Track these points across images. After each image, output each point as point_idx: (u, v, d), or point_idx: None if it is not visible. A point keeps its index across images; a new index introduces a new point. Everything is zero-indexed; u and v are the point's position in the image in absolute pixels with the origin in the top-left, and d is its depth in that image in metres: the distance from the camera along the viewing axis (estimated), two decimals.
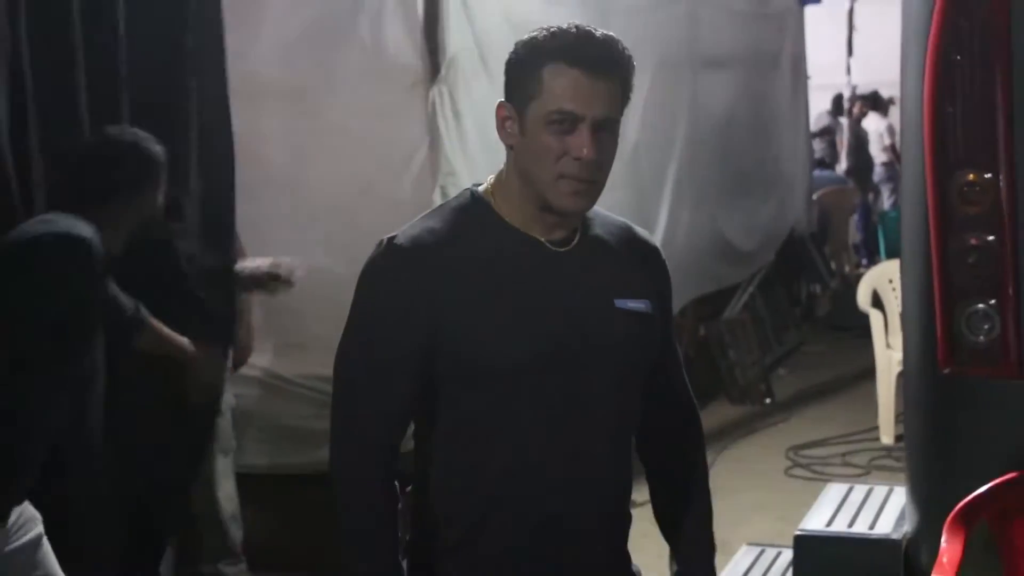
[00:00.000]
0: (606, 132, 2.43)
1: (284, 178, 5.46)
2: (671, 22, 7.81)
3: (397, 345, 2.46)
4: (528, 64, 2.44)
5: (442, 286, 2.44)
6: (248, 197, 4.99)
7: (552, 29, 2.45)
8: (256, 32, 5.20)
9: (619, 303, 2.54)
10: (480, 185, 2.58)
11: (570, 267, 2.52)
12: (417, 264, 2.45)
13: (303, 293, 4.73)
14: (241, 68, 4.63)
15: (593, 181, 2.44)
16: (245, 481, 5.21)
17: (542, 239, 2.51)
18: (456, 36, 5.51)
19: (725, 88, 8.62)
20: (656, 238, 7.30)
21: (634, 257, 2.63)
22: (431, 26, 5.48)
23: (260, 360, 5.44)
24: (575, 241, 2.54)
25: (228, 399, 4.97)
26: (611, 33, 2.47)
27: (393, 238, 2.48)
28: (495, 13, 5.72)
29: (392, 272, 2.46)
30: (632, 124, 7.14)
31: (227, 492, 5.12)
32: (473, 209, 2.53)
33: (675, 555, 2.75)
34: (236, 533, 5.15)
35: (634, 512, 2.69)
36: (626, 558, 2.69)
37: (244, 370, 5.25)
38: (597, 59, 2.42)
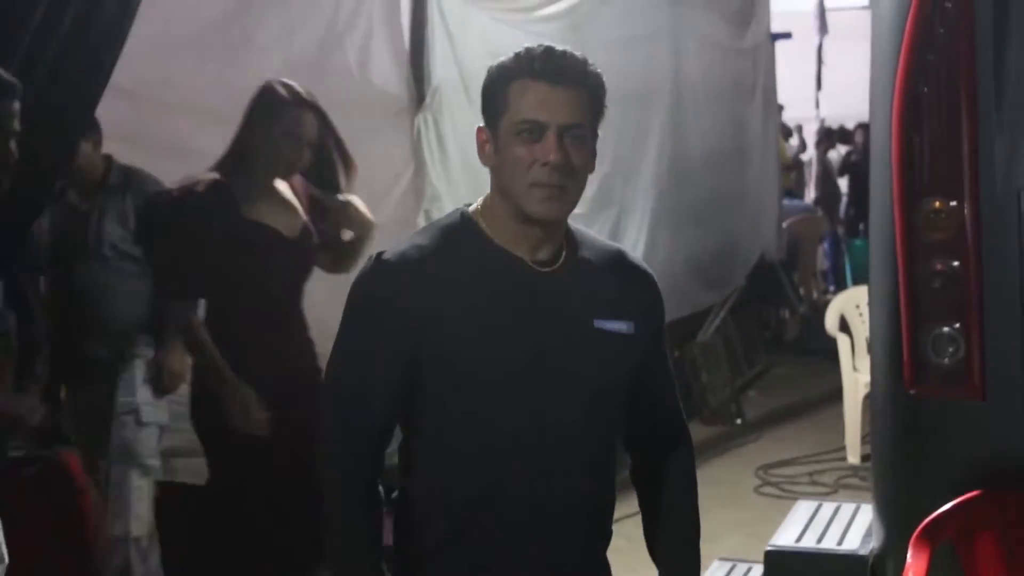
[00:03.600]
0: (574, 139, 2.46)
1: None
2: (654, 55, 7.84)
3: (381, 356, 2.48)
4: (497, 85, 2.48)
5: (424, 299, 2.46)
6: None
7: (519, 51, 2.49)
8: (246, 60, 5.20)
9: (598, 323, 2.55)
10: (471, 205, 2.59)
11: (551, 286, 2.52)
12: (401, 278, 2.47)
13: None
14: (230, 95, 4.62)
15: (563, 187, 2.46)
16: None
17: (526, 258, 2.52)
18: (440, 66, 5.54)
19: (704, 118, 8.65)
20: None
21: (622, 280, 2.63)
22: (417, 56, 5.52)
23: None
24: (560, 261, 2.55)
25: (153, 413, 4.82)
26: (569, 50, 2.51)
27: (382, 254, 2.52)
28: (477, 44, 5.75)
29: (378, 285, 2.49)
30: (612, 151, 7.17)
31: (138, 513, 4.78)
32: (461, 227, 2.55)
33: (661, 573, 2.74)
34: (137, 561, 4.77)
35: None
36: (604, 569, 2.69)
37: None
38: (559, 69, 2.46)
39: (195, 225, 4.09)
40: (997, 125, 3.30)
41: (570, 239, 2.58)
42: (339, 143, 4.30)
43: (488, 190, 2.57)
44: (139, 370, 4.77)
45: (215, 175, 4.15)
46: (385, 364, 2.48)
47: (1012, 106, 3.31)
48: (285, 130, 4.15)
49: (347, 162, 4.33)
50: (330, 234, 4.40)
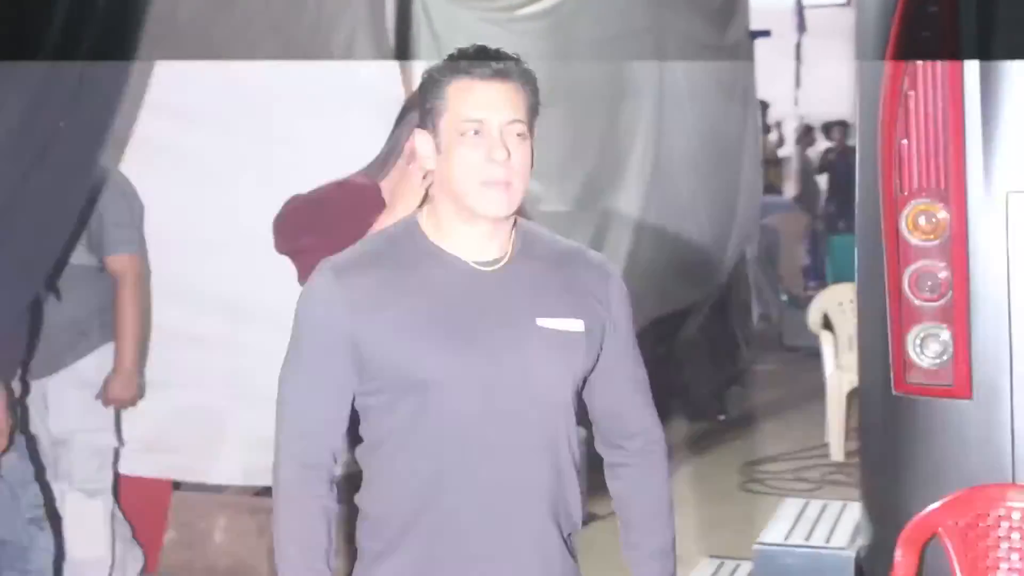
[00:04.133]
0: (516, 136, 2.46)
1: (252, 202, 5.43)
2: (637, 53, 7.86)
3: (328, 362, 2.50)
4: (435, 87, 2.49)
5: (368, 304, 2.47)
6: (223, 221, 5.02)
7: (451, 52, 2.51)
8: (230, 56, 5.19)
9: (542, 322, 2.53)
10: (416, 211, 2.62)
11: (493, 286, 2.52)
12: (346, 284, 2.48)
13: (279, 313, 4.72)
14: (215, 95, 4.64)
15: (510, 182, 2.45)
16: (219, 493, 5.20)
17: (469, 260, 2.52)
18: (426, 65, 5.53)
19: (687, 116, 8.67)
20: (621, 260, 7.32)
21: (574, 278, 2.60)
22: (402, 55, 5.51)
23: (233, 377, 5.43)
24: (504, 260, 2.55)
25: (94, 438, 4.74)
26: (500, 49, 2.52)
27: (330, 259, 2.53)
28: (461, 41, 5.59)
29: (324, 292, 2.50)
30: (596, 150, 7.19)
31: (90, 532, 4.70)
32: (406, 233, 2.56)
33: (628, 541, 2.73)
34: None
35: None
36: (566, 557, 2.64)
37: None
38: (495, 68, 2.46)
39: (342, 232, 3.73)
40: (983, 128, 3.33)
41: (518, 237, 2.58)
42: None
43: None
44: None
45: (365, 179, 3.76)
46: (332, 372, 2.50)
47: (998, 109, 3.34)
48: None
49: None
50: None
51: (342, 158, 5.29)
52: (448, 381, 2.48)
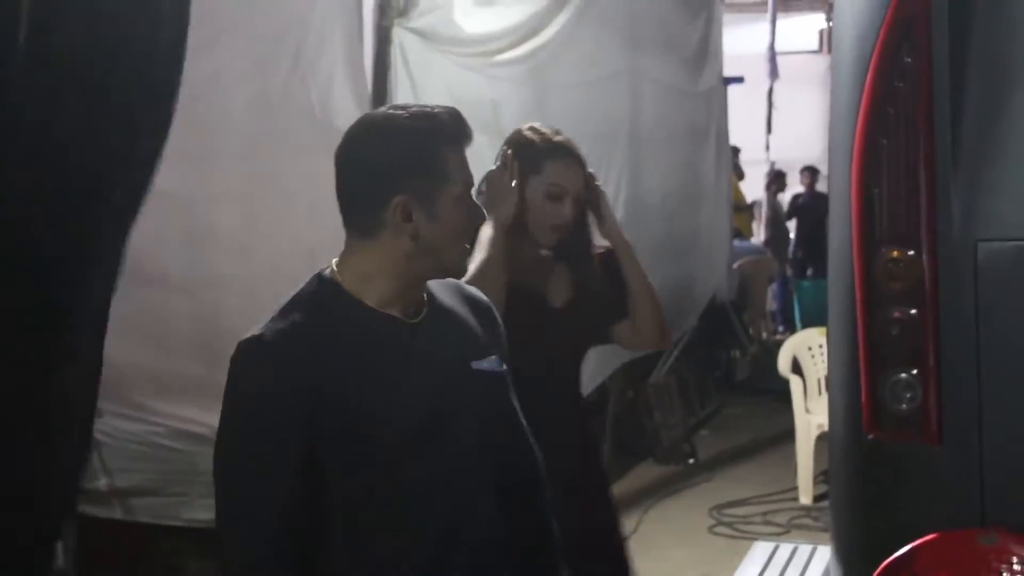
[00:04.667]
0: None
1: (233, 242, 5.44)
2: (612, 97, 7.91)
3: (279, 440, 2.43)
4: (431, 151, 2.50)
5: (314, 374, 2.43)
6: (198, 260, 5.01)
7: (438, 113, 2.52)
8: (209, 98, 5.21)
9: (475, 365, 2.58)
10: (325, 269, 2.59)
11: (427, 337, 2.55)
12: (287, 357, 2.43)
13: None
14: (193, 132, 4.63)
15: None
16: (193, 535, 5.16)
17: (398, 315, 2.53)
18: None
19: (660, 160, 8.72)
20: None
21: (475, 316, 2.68)
22: (379, 99, 5.53)
23: (207, 417, 5.40)
24: (424, 312, 2.57)
25: None
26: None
27: (258, 336, 2.46)
28: (439, 88, 5.77)
29: (264, 369, 2.44)
30: None
31: None
32: (328, 294, 2.53)
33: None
34: None
35: None
36: None
37: (192, 427, 5.19)
38: (469, 132, 2.55)
39: None
40: (954, 177, 3.36)
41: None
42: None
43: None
44: None
45: None
46: (285, 450, 2.44)
47: (969, 159, 3.37)
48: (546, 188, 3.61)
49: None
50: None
51: (320, 202, 5.34)
52: (410, 437, 2.48)
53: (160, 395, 4.99)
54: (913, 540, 3.23)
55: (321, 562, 2.51)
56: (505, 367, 2.65)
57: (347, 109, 5.45)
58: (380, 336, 2.51)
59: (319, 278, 2.56)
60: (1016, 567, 3.24)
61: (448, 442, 2.51)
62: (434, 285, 2.63)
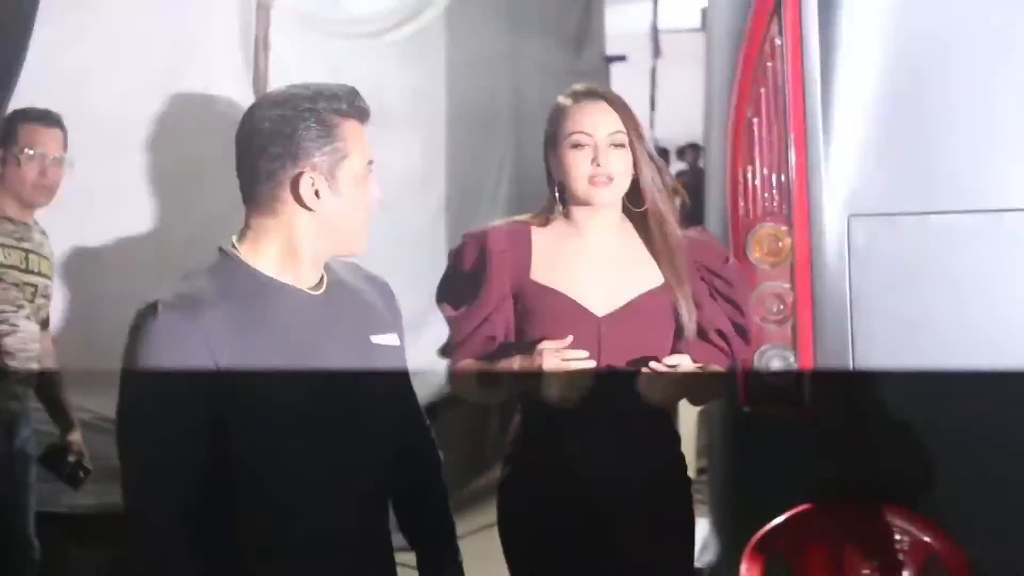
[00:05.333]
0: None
1: (112, 229, 5.37)
2: (495, 78, 7.91)
3: (176, 406, 2.42)
4: (332, 128, 2.50)
5: (216, 339, 2.41)
6: (78, 248, 4.94)
7: (334, 88, 2.53)
8: (91, 84, 5.13)
9: (374, 339, 2.60)
10: (226, 244, 2.57)
11: (328, 309, 2.55)
12: (183, 323, 2.40)
13: None
14: (80, 117, 4.56)
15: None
16: (73, 520, 5.09)
17: (297, 285, 2.53)
18: None
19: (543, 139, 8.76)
20: None
21: (375, 295, 2.69)
22: (260, 82, 5.49)
23: (87, 403, 5.33)
24: (325, 284, 2.58)
25: None
26: None
27: (154, 304, 2.42)
28: (321, 71, 5.73)
29: (165, 333, 2.41)
30: (454, 172, 7.21)
31: None
32: (228, 266, 2.52)
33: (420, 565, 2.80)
34: None
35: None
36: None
37: (74, 414, 5.11)
38: (367, 110, 2.55)
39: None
40: (825, 154, 3.41)
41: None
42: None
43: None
44: None
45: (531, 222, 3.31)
46: (187, 412, 2.43)
47: (839, 136, 3.42)
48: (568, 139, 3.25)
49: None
50: None
51: (200, 186, 5.28)
52: (312, 405, 2.48)
53: None
54: (788, 510, 3.28)
55: (219, 528, 2.51)
56: (400, 343, 2.67)
57: (228, 91, 5.39)
58: (279, 306, 2.50)
59: (220, 251, 2.55)
60: (886, 535, 3.30)
61: (344, 414, 2.51)
62: (335, 264, 2.64)
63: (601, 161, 3.13)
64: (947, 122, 3.44)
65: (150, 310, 2.42)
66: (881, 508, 3.36)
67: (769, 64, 3.42)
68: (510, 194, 8.08)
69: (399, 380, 2.68)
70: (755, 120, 3.43)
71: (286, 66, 5.53)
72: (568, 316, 3.12)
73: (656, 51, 16.89)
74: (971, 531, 3.31)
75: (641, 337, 3.11)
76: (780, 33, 3.42)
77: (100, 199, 5.10)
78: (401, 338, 2.69)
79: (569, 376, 3.02)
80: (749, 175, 3.46)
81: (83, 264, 4.97)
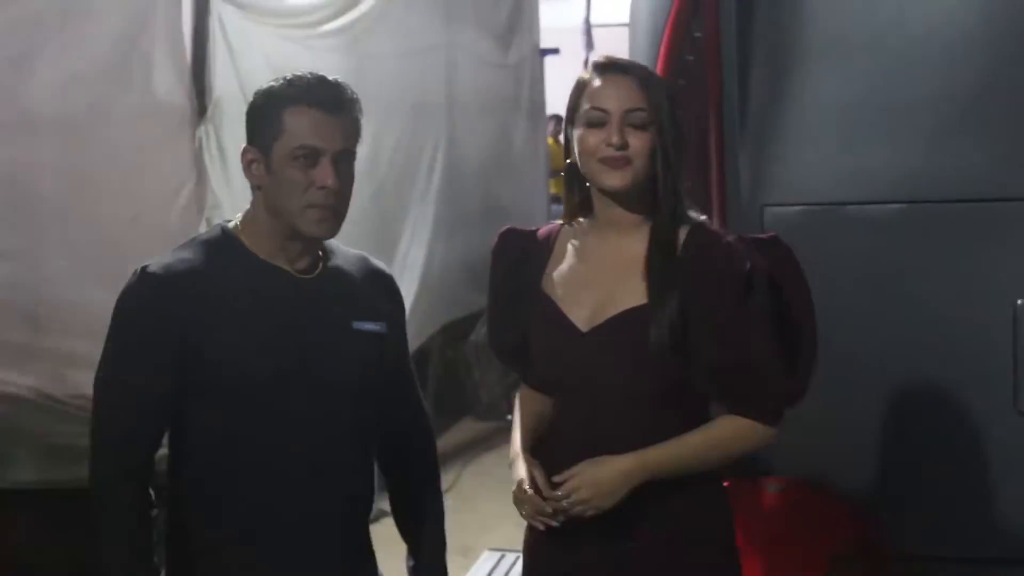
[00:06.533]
0: (344, 164, 2.56)
1: (57, 209, 5.35)
2: (429, 68, 7.94)
3: (149, 369, 2.51)
4: (269, 109, 2.55)
5: (192, 310, 2.50)
6: (22, 228, 4.92)
7: (289, 77, 2.57)
8: (31, 70, 5.11)
9: (356, 325, 2.65)
10: (230, 221, 2.67)
11: (312, 292, 2.62)
12: (169, 290, 2.50)
13: (73, 316, 4.67)
14: (17, 103, 4.55)
15: (336, 208, 2.56)
16: (13, 496, 5.08)
17: (287, 268, 2.60)
18: (221, 79, 5.53)
19: (475, 130, 8.78)
20: (414, 268, 7.38)
21: (371, 284, 2.74)
22: (199, 70, 5.49)
23: (28, 381, 5.32)
24: (318, 270, 2.64)
25: None
26: (339, 79, 2.60)
27: (147, 267, 2.54)
28: (258, 58, 5.74)
29: (145, 298, 2.52)
30: (388, 160, 7.23)
31: None
32: (223, 242, 2.61)
33: (410, 551, 2.87)
34: None
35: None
36: (369, 555, 2.78)
37: (12, 389, 5.10)
38: (332, 99, 2.55)
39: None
40: (742, 145, 3.47)
41: (323, 248, 2.68)
42: None
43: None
44: None
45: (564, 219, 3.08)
46: (152, 376, 2.51)
47: (755, 128, 3.48)
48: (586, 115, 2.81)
49: None
50: None
51: (141, 170, 5.27)
52: (277, 382, 2.54)
53: None
54: None
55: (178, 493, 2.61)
56: (386, 328, 2.70)
57: (167, 81, 5.39)
58: (262, 285, 2.57)
59: (220, 226, 2.66)
60: (797, 511, 3.37)
61: (309, 390, 2.56)
62: (340, 251, 2.72)
63: (614, 140, 2.66)
64: (860, 113, 3.51)
65: (138, 273, 2.53)
66: (794, 485, 3.44)
67: (689, 58, 3.48)
68: (445, 181, 8.12)
69: (379, 364, 2.70)
70: (681, 82, 3.49)
71: (223, 55, 5.54)
72: (556, 329, 2.77)
73: (589, 44, 16.92)
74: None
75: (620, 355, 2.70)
76: (700, 27, 3.48)
77: (41, 173, 5.08)
78: (396, 328, 2.74)
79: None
80: None
81: (27, 243, 4.94)
